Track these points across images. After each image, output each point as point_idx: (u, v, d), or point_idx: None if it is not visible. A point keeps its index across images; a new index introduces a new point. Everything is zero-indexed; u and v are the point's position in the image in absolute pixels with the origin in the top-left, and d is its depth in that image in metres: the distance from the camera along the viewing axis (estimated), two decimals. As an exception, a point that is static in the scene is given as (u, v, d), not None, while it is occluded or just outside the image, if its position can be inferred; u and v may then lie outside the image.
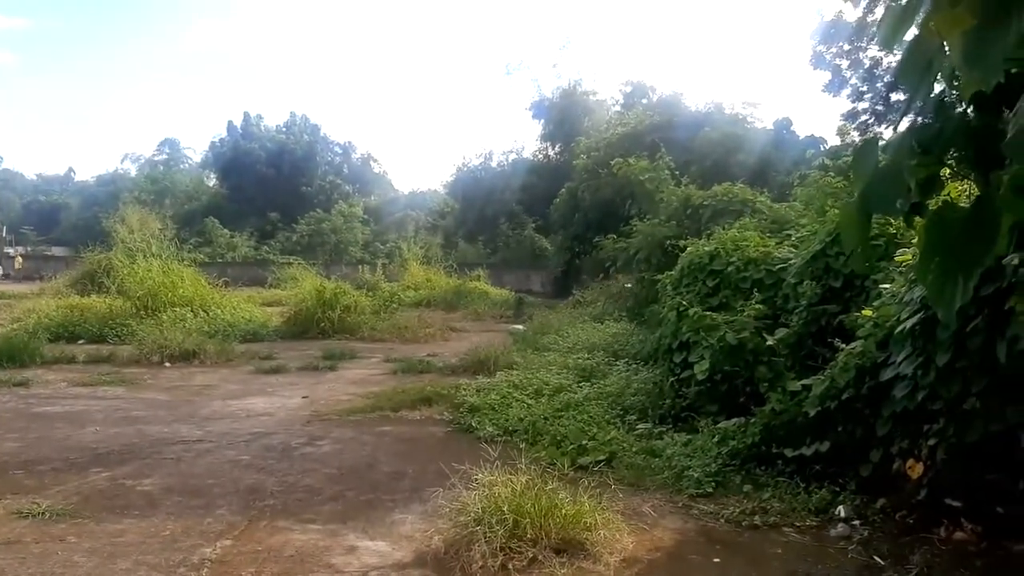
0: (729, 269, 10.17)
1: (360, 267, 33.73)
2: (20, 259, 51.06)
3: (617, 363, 11.44)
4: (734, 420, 7.37)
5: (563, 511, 5.12)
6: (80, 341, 16.16)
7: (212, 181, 72.13)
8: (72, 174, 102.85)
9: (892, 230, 7.97)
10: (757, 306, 8.65)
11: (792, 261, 9.33)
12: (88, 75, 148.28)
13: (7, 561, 4.93)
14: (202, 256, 33.25)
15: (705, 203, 15.72)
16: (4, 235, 62.90)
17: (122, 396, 10.95)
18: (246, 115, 68.70)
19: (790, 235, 11.06)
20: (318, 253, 46.64)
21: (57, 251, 63.26)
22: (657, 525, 5.75)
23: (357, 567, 4.98)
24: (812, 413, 6.47)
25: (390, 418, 9.59)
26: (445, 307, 25.60)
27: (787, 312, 8.85)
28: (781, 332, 8.12)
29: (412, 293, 27.21)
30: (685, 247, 11.68)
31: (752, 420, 7.09)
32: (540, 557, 4.89)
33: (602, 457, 7.24)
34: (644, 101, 36.13)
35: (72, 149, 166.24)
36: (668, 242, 14.60)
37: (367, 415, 9.69)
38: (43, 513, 5.82)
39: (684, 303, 9.20)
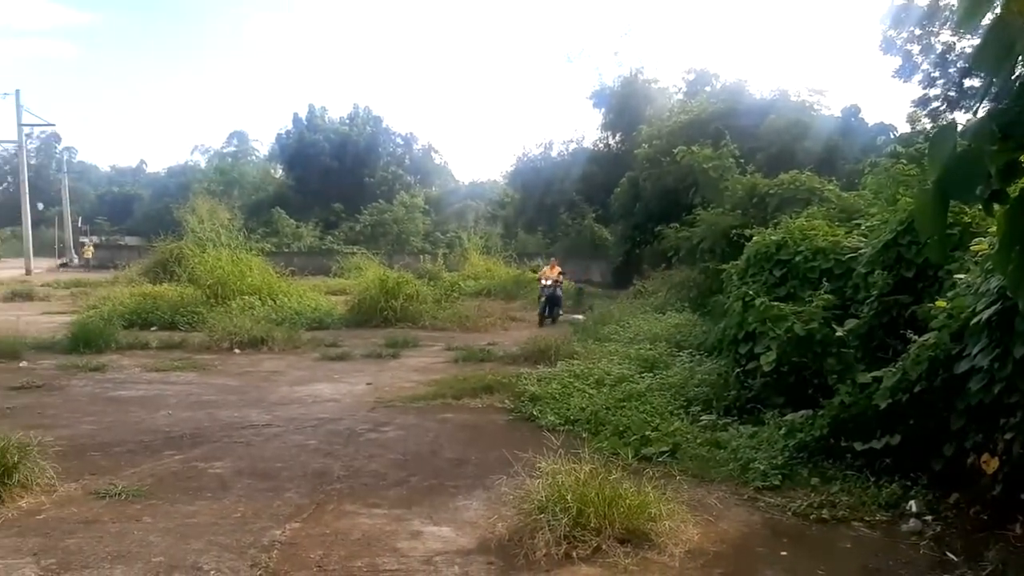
0: (797, 259, 9.99)
1: (421, 257, 34.09)
2: (91, 248, 53.03)
3: (680, 354, 11.33)
4: (801, 412, 7.25)
5: (627, 501, 5.10)
6: (153, 328, 16.64)
7: (278, 172, 73.52)
8: (144, 166, 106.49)
9: (967, 218, 7.75)
10: (826, 296, 8.47)
11: (862, 250, 9.12)
12: (159, 69, 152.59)
13: (86, 540, 5.12)
14: (269, 246, 33.91)
15: (771, 191, 15.45)
16: (79, 225, 65.35)
17: (193, 381, 11.26)
18: (311, 107, 69.82)
19: (859, 224, 10.81)
20: (380, 243, 47.23)
21: (130, 240, 65.61)
22: (723, 517, 5.70)
23: (422, 552, 5.04)
24: (883, 406, 6.33)
25: (452, 405, 9.68)
26: (505, 296, 25.66)
27: (857, 303, 8.67)
28: (851, 323, 7.96)
29: (472, 282, 27.36)
30: (751, 236, 11.50)
31: (820, 412, 6.97)
32: (604, 546, 4.89)
33: (666, 448, 7.19)
34: (707, 89, 35.55)
35: (144, 142, 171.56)
36: (733, 231, 14.39)
37: (430, 402, 9.79)
38: (120, 494, 6.02)
39: (750, 293, 9.07)
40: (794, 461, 6.74)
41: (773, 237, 10.67)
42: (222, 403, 9.70)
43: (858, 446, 6.49)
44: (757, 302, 8.64)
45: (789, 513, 5.85)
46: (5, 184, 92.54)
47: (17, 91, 46.82)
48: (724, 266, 12.06)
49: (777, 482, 6.43)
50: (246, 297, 18.15)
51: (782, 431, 7.15)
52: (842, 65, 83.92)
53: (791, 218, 11.64)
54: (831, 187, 15.33)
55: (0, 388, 10.25)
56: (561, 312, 20.35)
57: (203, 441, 7.80)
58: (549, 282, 20.09)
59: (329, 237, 53.44)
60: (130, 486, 6.19)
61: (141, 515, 5.62)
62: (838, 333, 7.80)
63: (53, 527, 5.33)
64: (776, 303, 8.58)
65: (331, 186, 60.57)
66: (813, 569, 4.88)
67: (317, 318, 18.05)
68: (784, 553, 5.15)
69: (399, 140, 73.39)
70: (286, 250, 45.02)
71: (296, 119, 69.44)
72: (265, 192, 65.96)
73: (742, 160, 19.57)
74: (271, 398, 10.11)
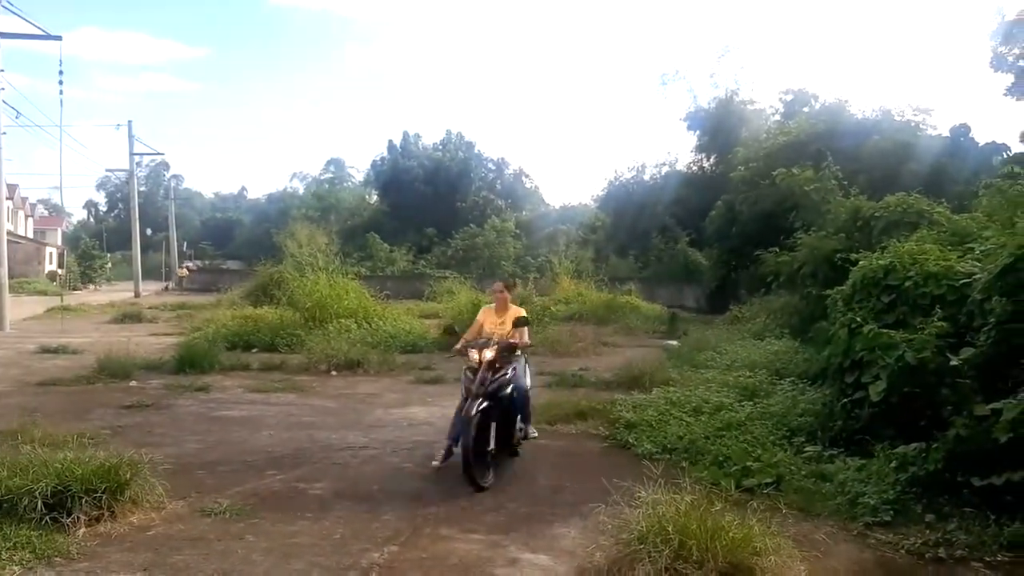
0: (906, 284, 9.53)
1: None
2: (186, 271, 56.34)
3: (781, 382, 10.98)
4: (913, 445, 6.88)
5: (730, 534, 4.91)
6: (254, 349, 17.11)
7: (373, 198, 75.42)
8: (245, 192, 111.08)
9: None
10: (939, 323, 8.06)
11: (977, 276, 8.65)
12: (259, 99, 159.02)
13: (193, 557, 5.25)
14: (364, 270, 34.57)
15: (877, 215, 14.88)
16: (184, 250, 68.64)
17: (293, 402, 11.51)
18: (405, 134, 71.65)
19: (972, 248, 10.28)
20: (472, 267, 47.67)
21: (231, 264, 68.40)
22: (831, 553, 5.45)
23: (520, 580, 4.98)
24: (1003, 440, 5.96)
25: (546, 431, 9.56)
26: (596, 321, 25.41)
27: (973, 331, 8.21)
28: (967, 352, 7.53)
29: (563, 307, 27.19)
30: (855, 261, 11.08)
31: (934, 445, 6.60)
32: (706, 580, 4.72)
33: (769, 480, 6.95)
34: (806, 109, 34.83)
35: (245, 169, 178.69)
36: (837, 256, 13.91)
37: (524, 427, 9.73)
38: (224, 512, 6.17)
39: (857, 319, 8.72)
40: (906, 496, 6.40)
41: (881, 262, 10.23)
42: (320, 424, 9.88)
43: (976, 482, 6.13)
44: (865, 329, 8.28)
45: (902, 551, 5.58)
46: (117, 210, 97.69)
47: (129, 122, 49.56)
48: (827, 292, 11.64)
49: (888, 518, 6.14)
50: (342, 320, 18.44)
51: (892, 464, 6.80)
52: (948, 83, 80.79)
53: (898, 242, 11.16)
54: (940, 209, 14.67)
55: (113, 407, 10.70)
56: (531, 430, 8.36)
57: (303, 462, 7.95)
58: (489, 354, 7.50)
59: (422, 261, 54.40)
60: (234, 505, 6.34)
61: (244, 534, 5.74)
62: (953, 362, 7.39)
63: (162, 543, 5.48)
64: (885, 330, 8.21)
65: (424, 211, 61.72)
66: (932, 613, 4.62)
67: (410, 341, 18.21)
68: (899, 594, 4.89)
69: (491, 165, 74.48)
70: (380, 274, 45.95)
71: (391, 146, 71.27)
72: (360, 217, 67.73)
73: (844, 182, 18.99)
74: (367, 420, 10.25)
